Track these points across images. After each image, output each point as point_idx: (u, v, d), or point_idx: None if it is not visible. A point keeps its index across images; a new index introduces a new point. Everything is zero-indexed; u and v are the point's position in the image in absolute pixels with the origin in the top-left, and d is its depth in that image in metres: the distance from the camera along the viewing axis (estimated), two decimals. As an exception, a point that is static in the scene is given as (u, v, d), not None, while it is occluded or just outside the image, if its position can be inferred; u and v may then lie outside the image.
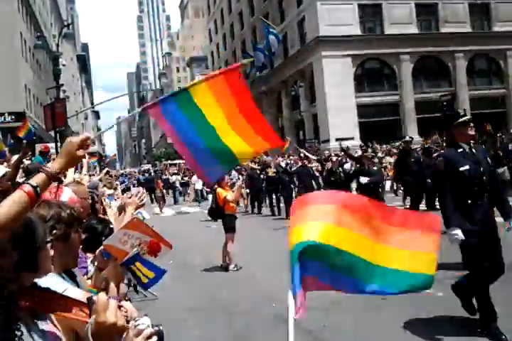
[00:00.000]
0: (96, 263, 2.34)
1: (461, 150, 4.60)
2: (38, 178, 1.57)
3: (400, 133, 33.42)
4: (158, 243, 2.18)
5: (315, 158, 16.42)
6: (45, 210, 1.60)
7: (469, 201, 4.47)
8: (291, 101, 39.08)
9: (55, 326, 1.42)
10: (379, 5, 34.67)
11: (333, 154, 17.70)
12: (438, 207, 11.80)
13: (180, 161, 43.03)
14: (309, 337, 4.83)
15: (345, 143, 17.08)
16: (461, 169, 4.46)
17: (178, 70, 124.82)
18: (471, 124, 4.67)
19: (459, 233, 4.33)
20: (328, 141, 31.58)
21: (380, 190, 11.36)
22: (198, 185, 21.84)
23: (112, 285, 2.09)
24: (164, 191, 23.12)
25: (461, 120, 4.61)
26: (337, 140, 30.12)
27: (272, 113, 43.16)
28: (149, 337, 1.43)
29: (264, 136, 3.33)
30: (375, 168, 9.87)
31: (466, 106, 35.13)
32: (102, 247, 2.23)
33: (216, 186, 9.04)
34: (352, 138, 28.15)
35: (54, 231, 1.61)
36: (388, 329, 4.84)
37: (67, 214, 1.73)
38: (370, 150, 17.56)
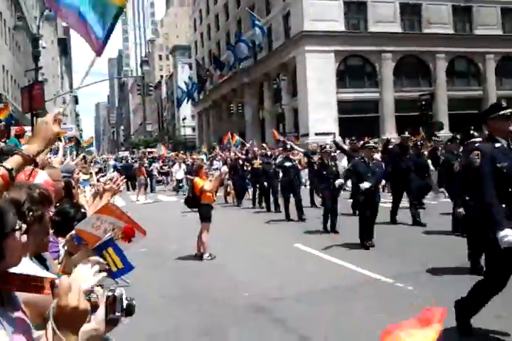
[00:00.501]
0: (66, 248, 2.28)
1: (499, 145, 4.08)
2: (13, 161, 1.55)
3: (378, 130, 33.85)
4: (133, 228, 2.16)
5: (302, 150, 16.05)
6: (17, 193, 1.56)
7: (503, 205, 3.90)
8: (273, 94, 39.12)
9: (24, 313, 1.39)
10: (364, 2, 34.85)
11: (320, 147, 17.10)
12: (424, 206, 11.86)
13: (154, 149, 42.76)
14: (281, 326, 4.92)
15: (326, 138, 16.97)
16: (499, 165, 3.96)
17: (160, 58, 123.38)
18: None
19: (509, 234, 3.75)
20: (307, 135, 31.76)
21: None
22: (179, 174, 21.77)
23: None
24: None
25: (501, 112, 4.10)
26: (316, 134, 30.37)
27: (253, 104, 43.15)
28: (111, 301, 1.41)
29: None
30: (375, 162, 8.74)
31: (444, 106, 35.72)
32: (73, 231, 2.20)
33: (194, 175, 9.05)
34: (331, 134, 28.31)
35: (31, 213, 1.58)
36: (358, 320, 4.95)
37: (38, 195, 1.72)
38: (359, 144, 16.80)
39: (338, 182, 9.50)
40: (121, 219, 2.13)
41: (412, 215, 10.33)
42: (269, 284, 6.41)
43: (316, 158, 13.56)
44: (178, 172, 21.85)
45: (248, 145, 21.18)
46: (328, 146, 11.59)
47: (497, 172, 3.96)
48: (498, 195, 3.90)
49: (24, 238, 1.37)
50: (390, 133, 33.17)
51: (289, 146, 14.30)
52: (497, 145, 4.07)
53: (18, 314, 1.36)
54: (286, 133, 34.53)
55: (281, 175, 13.45)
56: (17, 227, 1.33)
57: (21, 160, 1.59)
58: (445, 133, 27.57)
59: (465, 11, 36.91)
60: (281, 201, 13.42)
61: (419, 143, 13.89)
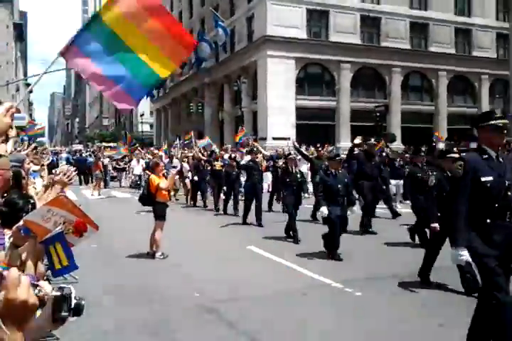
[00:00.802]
0: (12, 240, 2.20)
1: (486, 156, 3.80)
2: None
3: (334, 138, 34.51)
4: (85, 223, 2.11)
5: (268, 154, 15.71)
6: None
7: (488, 220, 3.67)
8: (234, 96, 39.15)
9: None
10: (326, 11, 35.39)
11: (284, 151, 16.28)
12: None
13: (111, 144, 41.84)
14: (230, 327, 4.99)
15: (283, 143, 17.14)
16: (483, 180, 3.69)
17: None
18: (505, 131, 3.85)
19: (464, 254, 3.63)
20: (265, 138, 31.99)
21: None
22: (137, 169, 21.31)
23: (30, 262, 2.02)
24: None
25: (492, 122, 3.78)
26: (274, 139, 30.64)
27: (213, 105, 43.02)
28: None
29: (182, 44, 3.34)
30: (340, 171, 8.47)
31: (398, 118, 36.80)
32: (20, 223, 2.13)
33: (149, 172, 9.00)
34: (288, 139, 28.65)
35: None
36: (307, 323, 5.08)
37: None
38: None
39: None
40: (73, 212, 2.08)
41: (365, 224, 10.44)
42: (220, 285, 6.46)
43: (280, 162, 13.66)
44: (136, 167, 21.43)
45: (214, 146, 20.78)
46: (292, 152, 11.78)
47: (480, 187, 3.69)
48: (482, 209, 3.69)
49: None
50: (345, 141, 33.94)
51: (255, 149, 14.00)
52: (484, 156, 3.78)
53: None
54: (244, 135, 34.63)
55: (243, 178, 13.28)
56: None
57: None
58: (397, 145, 28.43)
59: (422, 27, 38.18)
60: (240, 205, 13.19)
61: (387, 151, 14.17)
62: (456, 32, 39.07)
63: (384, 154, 14.15)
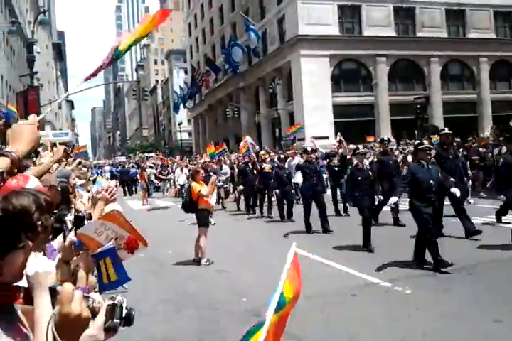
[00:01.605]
0: (61, 256, 2.21)
1: None
2: (2, 162, 1.53)
3: (374, 134, 33.93)
4: (136, 240, 2.15)
5: (323, 151, 14.91)
6: (24, 200, 1.49)
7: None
8: (269, 98, 39.19)
9: (21, 323, 1.37)
10: (358, 6, 35.00)
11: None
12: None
13: (152, 154, 42.51)
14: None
15: (322, 142, 16.81)
16: None
17: (155, 62, 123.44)
18: None
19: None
20: (303, 139, 31.78)
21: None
22: (181, 179, 21.24)
23: (81, 274, 2.05)
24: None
25: None
26: (312, 138, 30.40)
27: (248, 109, 43.18)
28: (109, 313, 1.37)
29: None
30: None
31: (439, 109, 35.87)
32: (72, 238, 2.15)
33: (191, 180, 9.03)
34: (327, 138, 28.39)
35: (39, 223, 1.52)
36: (356, 324, 4.95)
37: (44, 202, 1.64)
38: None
39: (393, 200, 7.36)
40: (124, 227, 2.12)
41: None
42: (267, 289, 6.36)
43: (335, 160, 13.06)
44: (180, 177, 21.45)
45: (257, 147, 19.62)
46: (360, 147, 10.53)
47: None
48: None
49: (27, 254, 1.33)
50: (386, 136, 33.33)
51: (309, 148, 12.04)
52: None
53: (15, 324, 1.32)
54: (282, 138, 34.57)
55: (299, 180, 12.10)
56: (21, 245, 1.30)
57: (9, 163, 1.56)
58: (440, 137, 27.65)
59: (458, 14, 37.14)
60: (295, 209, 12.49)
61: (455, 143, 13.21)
62: (495, 15, 37.78)
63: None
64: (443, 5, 36.52)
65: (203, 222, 8.20)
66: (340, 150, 13.21)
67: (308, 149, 11.71)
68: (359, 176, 8.55)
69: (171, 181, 24.35)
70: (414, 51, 34.85)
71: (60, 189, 3.42)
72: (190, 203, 8.33)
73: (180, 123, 62.17)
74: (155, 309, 5.86)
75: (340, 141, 13.31)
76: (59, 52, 71.61)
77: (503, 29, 38.37)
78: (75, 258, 2.12)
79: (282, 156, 15.10)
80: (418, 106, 31.03)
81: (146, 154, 43.54)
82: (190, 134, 71.36)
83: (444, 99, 36.06)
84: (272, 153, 18.03)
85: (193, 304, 6.01)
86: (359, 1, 34.78)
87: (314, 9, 33.42)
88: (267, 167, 14.07)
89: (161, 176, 25.06)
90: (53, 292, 1.31)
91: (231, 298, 6.16)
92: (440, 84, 36.38)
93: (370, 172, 8.88)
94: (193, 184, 8.34)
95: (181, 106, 45.49)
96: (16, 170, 1.70)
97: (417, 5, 36.02)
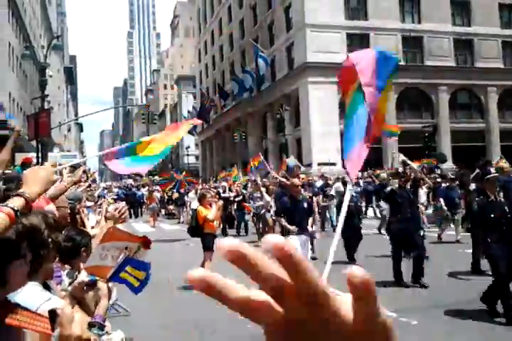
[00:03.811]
0: (71, 290, 2.18)
1: None
2: (17, 202, 1.60)
3: (382, 161, 33.88)
4: (142, 237, 2.18)
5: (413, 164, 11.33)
6: (35, 219, 1.56)
7: None
8: (277, 123, 39.40)
9: None
10: (366, 35, 35.47)
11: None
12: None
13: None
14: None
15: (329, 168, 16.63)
16: None
17: (165, 87, 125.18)
18: None
19: None
20: (310, 165, 31.81)
21: None
22: (194, 204, 18.49)
23: (105, 302, 2.10)
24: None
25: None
26: (319, 164, 30.38)
27: (256, 135, 43.39)
28: None
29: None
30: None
31: (447, 138, 35.87)
32: (83, 278, 2.10)
33: (198, 204, 8.99)
34: (334, 164, 28.35)
35: (50, 240, 1.59)
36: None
37: (53, 221, 1.71)
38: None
39: None
40: (122, 238, 2.10)
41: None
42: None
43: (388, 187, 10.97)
44: (194, 201, 17.02)
45: (269, 167, 17.62)
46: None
47: None
48: None
49: (27, 266, 1.37)
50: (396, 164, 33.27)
51: (400, 169, 10.03)
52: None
53: None
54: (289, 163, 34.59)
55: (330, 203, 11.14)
56: (23, 254, 1.33)
57: (24, 204, 1.63)
58: (448, 165, 27.58)
59: (466, 43, 37.52)
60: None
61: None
62: (503, 45, 38.12)
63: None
64: (451, 34, 36.93)
65: (208, 246, 8.12)
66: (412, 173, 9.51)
67: (400, 170, 9.45)
68: (492, 212, 6.15)
69: (188, 205, 20.79)
70: (422, 79, 35.09)
71: (69, 211, 3.42)
72: (197, 227, 8.28)
73: (187, 147, 62.50)
74: (158, 333, 5.75)
75: (404, 162, 10.35)
76: (70, 75, 72.86)
77: (511, 58, 38.64)
78: (91, 292, 2.11)
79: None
80: (426, 134, 31.09)
81: (157, 177, 43.55)
82: (197, 158, 71.66)
83: (452, 128, 36.09)
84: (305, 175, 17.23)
85: (196, 330, 5.89)
86: (367, 30, 35.27)
87: (323, 37, 33.89)
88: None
89: (176, 201, 22.71)
90: (53, 315, 1.32)
91: (235, 324, 6.00)
92: (448, 112, 36.48)
93: (507, 208, 6.21)
94: (200, 208, 8.32)
95: (195, 129, 45.87)
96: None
97: (425, 34, 36.45)
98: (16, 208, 1.54)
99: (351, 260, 9.65)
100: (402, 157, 10.84)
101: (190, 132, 48.89)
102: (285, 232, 7.58)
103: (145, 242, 2.16)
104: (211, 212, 8.18)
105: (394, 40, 35.83)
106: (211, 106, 43.38)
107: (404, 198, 8.08)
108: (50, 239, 1.49)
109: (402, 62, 35.93)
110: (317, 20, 33.73)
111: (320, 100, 32.88)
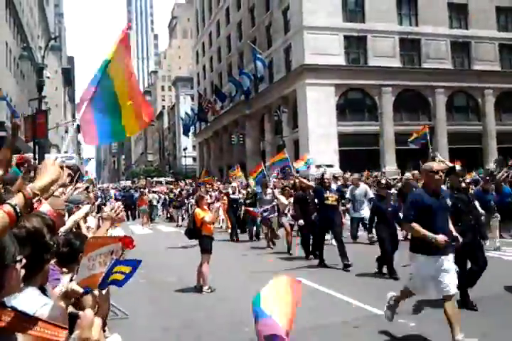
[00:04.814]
0: (62, 296, 2.10)
1: None
2: (18, 199, 1.57)
3: (378, 163, 33.95)
4: (124, 239, 2.15)
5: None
6: (35, 222, 1.54)
7: None
8: (274, 125, 39.45)
9: None
10: (364, 37, 35.53)
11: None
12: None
13: (162, 179, 42.52)
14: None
15: (326, 170, 16.35)
16: None
17: (162, 89, 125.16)
18: None
19: None
20: (309, 167, 31.82)
21: None
22: None
23: (105, 306, 2.08)
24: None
25: None
26: (317, 166, 30.40)
27: (254, 136, 43.42)
28: None
29: (144, 112, 4.07)
30: None
31: (444, 140, 35.95)
32: (76, 288, 2.03)
33: (195, 206, 8.99)
34: (332, 166, 28.40)
35: (52, 243, 1.57)
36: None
37: (52, 223, 1.70)
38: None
39: None
40: (103, 244, 2.06)
41: None
42: (269, 319, 6.24)
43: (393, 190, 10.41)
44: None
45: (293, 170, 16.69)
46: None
47: None
48: None
49: (22, 270, 1.37)
50: (390, 166, 33.33)
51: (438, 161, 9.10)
52: None
53: None
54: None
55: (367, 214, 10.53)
56: (18, 259, 1.34)
57: (24, 199, 1.61)
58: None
59: (463, 46, 37.63)
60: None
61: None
62: (500, 48, 38.25)
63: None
64: (448, 37, 37.03)
65: (206, 248, 8.12)
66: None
67: (458, 168, 8.25)
68: None
69: (188, 206, 20.00)
70: (419, 82, 35.16)
71: (65, 214, 3.43)
72: (194, 229, 8.28)
73: (185, 149, 62.55)
74: (155, 336, 5.76)
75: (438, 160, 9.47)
76: (68, 77, 72.73)
77: (507, 61, 38.78)
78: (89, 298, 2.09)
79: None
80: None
81: (156, 179, 43.55)
82: (194, 160, 71.67)
83: (449, 130, 36.16)
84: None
85: (194, 333, 5.89)
86: (365, 32, 35.34)
87: (320, 39, 33.93)
88: (331, 197, 10.07)
89: (176, 204, 22.37)
90: (73, 317, 1.36)
91: (233, 327, 6.04)
92: (445, 114, 36.57)
93: None
94: (197, 210, 8.31)
95: (190, 131, 45.84)
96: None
97: (422, 36, 36.53)
98: (16, 206, 1.52)
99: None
100: (439, 157, 10.47)
101: (186, 134, 48.97)
102: (423, 247, 4.97)
103: (127, 242, 2.15)
104: (208, 215, 8.18)
105: (391, 43, 35.92)
106: (208, 108, 43.38)
107: (463, 202, 6.40)
108: (52, 243, 1.48)
109: (400, 65, 36.05)
110: (315, 23, 33.77)
111: (317, 102, 32.93)
